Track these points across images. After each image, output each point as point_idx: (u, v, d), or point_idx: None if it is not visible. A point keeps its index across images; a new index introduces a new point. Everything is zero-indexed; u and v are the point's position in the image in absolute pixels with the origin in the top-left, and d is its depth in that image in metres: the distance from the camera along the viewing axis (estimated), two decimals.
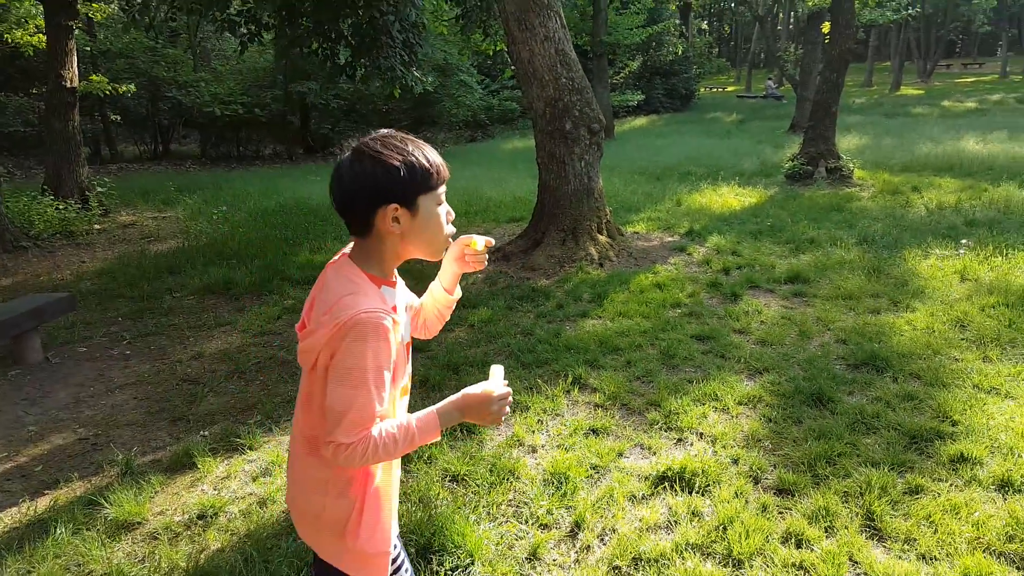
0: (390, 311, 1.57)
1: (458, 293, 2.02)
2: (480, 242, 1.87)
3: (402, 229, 1.61)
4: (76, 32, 11.43)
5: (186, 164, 19.80)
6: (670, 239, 8.57)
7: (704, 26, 54.66)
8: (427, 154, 1.61)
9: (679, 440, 4.11)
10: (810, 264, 7.21)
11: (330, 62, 10.07)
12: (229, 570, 3.11)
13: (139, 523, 3.52)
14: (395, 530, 1.85)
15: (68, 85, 10.83)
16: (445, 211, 1.68)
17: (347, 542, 1.71)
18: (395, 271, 1.75)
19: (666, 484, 3.64)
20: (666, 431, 4.21)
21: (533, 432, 4.28)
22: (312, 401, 1.65)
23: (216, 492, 3.79)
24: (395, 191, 1.58)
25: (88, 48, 18.14)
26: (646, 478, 3.71)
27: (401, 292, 1.78)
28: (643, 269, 7.33)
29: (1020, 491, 3.40)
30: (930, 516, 3.23)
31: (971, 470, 3.56)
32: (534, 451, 4.09)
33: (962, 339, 5.25)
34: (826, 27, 13.98)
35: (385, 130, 1.64)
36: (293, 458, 1.78)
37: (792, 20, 42.25)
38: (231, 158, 21.05)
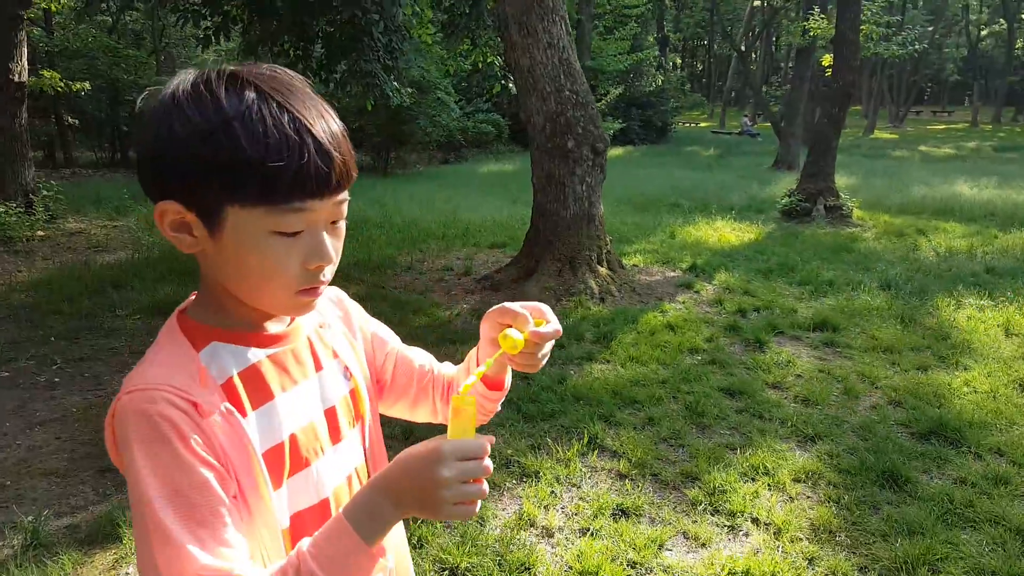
0: (182, 385, 0.86)
1: (506, 386, 1.21)
2: (518, 335, 1.00)
3: (204, 251, 0.91)
4: (31, 28, 10.51)
5: None
6: (673, 274, 7.80)
7: (678, 61, 55.07)
8: (284, 128, 0.83)
9: (731, 528, 3.28)
10: (835, 309, 6.49)
11: (302, 63, 9.22)
12: None
13: None
14: None
15: (16, 79, 9.88)
16: (304, 250, 0.89)
17: None
18: (282, 316, 1.01)
19: None
20: (713, 515, 3.38)
21: (546, 508, 3.42)
22: None
23: None
24: (176, 182, 0.86)
25: (43, 44, 17.01)
26: None
27: (302, 351, 1.04)
28: (649, 307, 6.53)
29: None
30: None
31: None
32: (550, 535, 3.24)
33: None
34: (827, 60, 13.55)
35: (264, 66, 0.90)
36: None
37: (767, 57, 42.50)
38: None
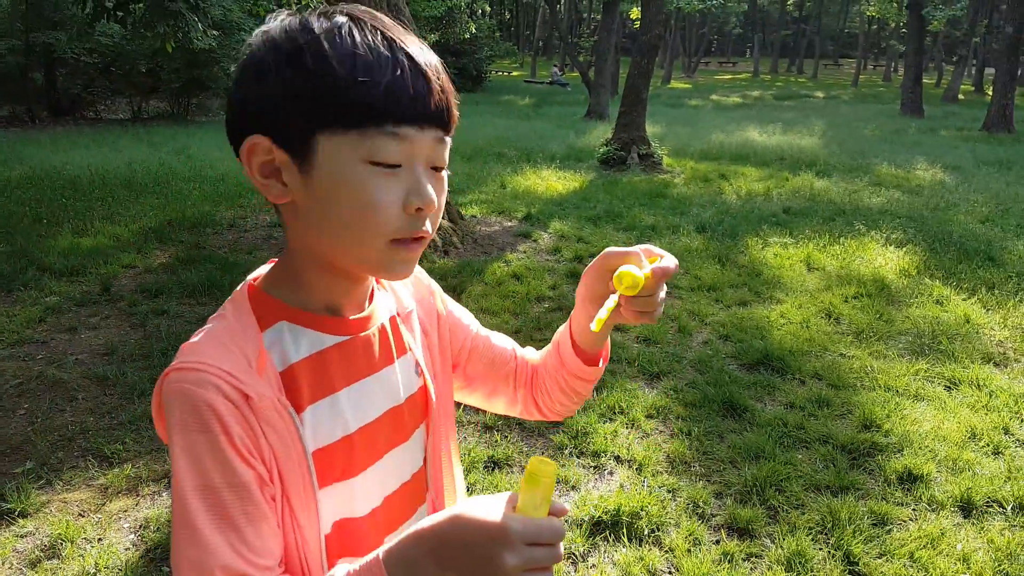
0: (244, 373, 0.79)
1: (603, 360, 1.09)
2: (638, 272, 0.89)
3: (296, 199, 0.81)
4: None
5: None
6: (510, 224, 7.92)
7: (487, 8, 55.05)
8: (375, 45, 0.77)
9: (597, 468, 3.44)
10: None
11: (92, 2, 8.24)
12: None
13: None
14: None
15: None
16: (403, 188, 0.79)
17: None
18: (359, 290, 0.92)
19: (606, 532, 2.95)
20: (579, 457, 3.53)
21: None
22: None
23: None
24: (266, 113, 0.78)
25: None
26: (578, 525, 3.00)
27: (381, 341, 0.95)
28: (493, 258, 6.60)
29: (986, 512, 3.11)
30: (912, 554, 2.82)
31: (926, 490, 3.23)
32: None
33: (839, 332, 5.09)
34: (635, 13, 14.05)
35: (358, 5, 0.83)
36: None
37: (574, 8, 43.59)
38: None
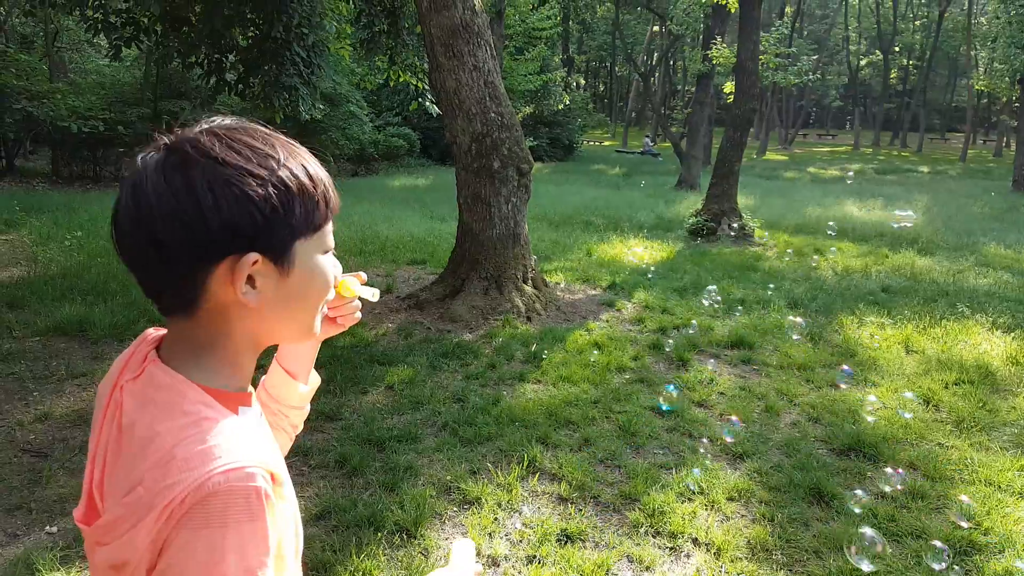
0: (266, 460, 0.83)
1: (315, 380, 1.25)
2: (356, 284, 1.10)
3: (262, 298, 0.90)
4: None
5: (34, 182, 17.45)
6: (594, 292, 7.94)
7: (581, 81, 56.49)
8: (308, 165, 0.92)
9: (673, 549, 3.34)
10: (748, 327, 6.74)
11: (216, 76, 8.92)
12: None
13: None
14: None
15: None
16: (332, 264, 1.00)
17: None
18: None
19: None
20: (655, 536, 3.44)
21: (490, 536, 3.40)
22: None
23: None
24: (255, 232, 0.86)
25: None
26: None
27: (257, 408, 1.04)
28: (575, 326, 6.61)
29: None
30: None
31: None
32: (496, 565, 3.21)
33: (938, 421, 4.83)
34: (728, 87, 14.13)
35: (232, 119, 0.93)
36: None
37: (668, 81, 44.09)
38: (87, 178, 18.74)
